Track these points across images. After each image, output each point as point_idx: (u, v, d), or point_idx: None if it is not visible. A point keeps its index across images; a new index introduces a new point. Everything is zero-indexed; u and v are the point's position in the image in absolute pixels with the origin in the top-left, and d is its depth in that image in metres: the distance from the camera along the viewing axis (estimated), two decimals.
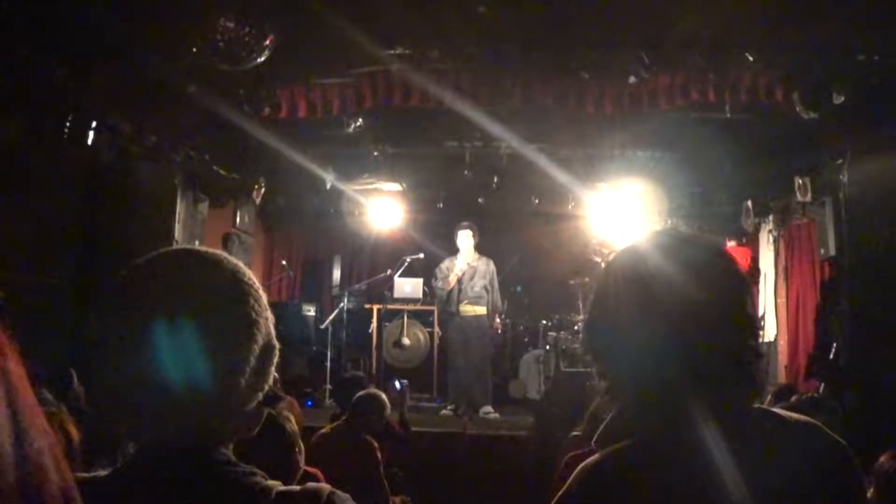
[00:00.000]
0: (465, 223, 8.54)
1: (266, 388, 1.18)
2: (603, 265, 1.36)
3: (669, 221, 9.12)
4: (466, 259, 8.42)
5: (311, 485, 1.15)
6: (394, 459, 5.15)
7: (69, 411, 2.45)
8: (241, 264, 1.20)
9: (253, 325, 1.14)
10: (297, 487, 1.12)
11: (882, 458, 2.51)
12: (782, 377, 8.16)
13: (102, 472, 1.15)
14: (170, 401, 1.07)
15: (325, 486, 1.14)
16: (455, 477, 6.28)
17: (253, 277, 1.20)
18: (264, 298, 1.20)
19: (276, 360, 1.20)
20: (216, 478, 1.10)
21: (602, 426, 1.29)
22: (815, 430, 1.25)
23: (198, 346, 1.07)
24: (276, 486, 1.11)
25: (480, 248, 8.59)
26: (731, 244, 8.43)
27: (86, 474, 1.14)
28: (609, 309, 1.29)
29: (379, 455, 4.42)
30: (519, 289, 11.40)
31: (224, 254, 1.21)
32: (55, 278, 5.93)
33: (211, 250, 1.21)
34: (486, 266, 8.51)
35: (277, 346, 1.20)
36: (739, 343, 1.23)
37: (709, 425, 1.17)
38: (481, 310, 8.40)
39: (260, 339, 1.15)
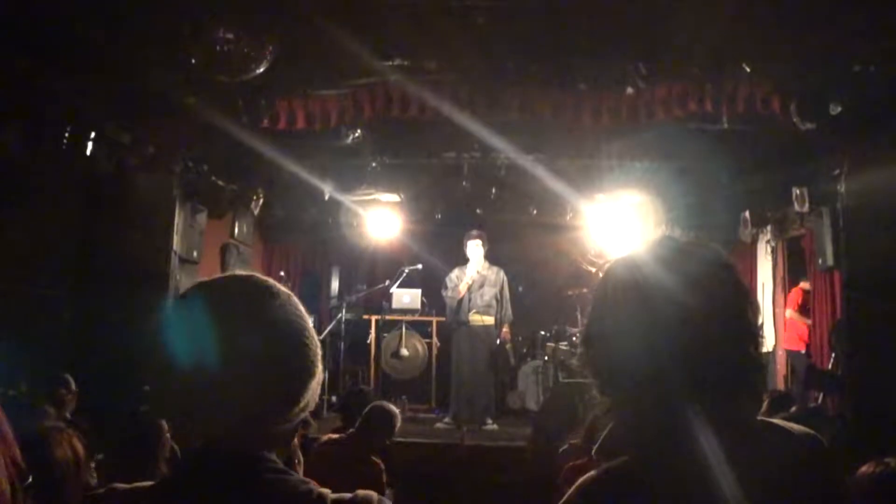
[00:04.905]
0: (475, 232, 8.49)
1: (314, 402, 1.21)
2: (600, 276, 1.34)
3: (667, 231, 9.09)
4: (476, 268, 8.37)
5: (360, 492, 1.17)
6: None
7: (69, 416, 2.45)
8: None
9: (316, 348, 1.19)
10: (347, 495, 1.15)
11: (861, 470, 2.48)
12: (781, 386, 8.16)
13: (145, 483, 1.15)
14: (250, 411, 1.09)
15: (373, 494, 1.17)
16: (453, 488, 6.25)
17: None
18: None
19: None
20: (272, 485, 1.10)
21: (602, 437, 1.29)
22: (817, 442, 1.24)
23: (278, 363, 1.11)
24: (328, 493, 1.13)
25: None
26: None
27: (125, 485, 1.14)
28: (606, 320, 1.28)
29: (384, 478, 4.36)
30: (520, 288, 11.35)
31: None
32: (53, 288, 5.92)
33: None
34: (496, 275, 8.46)
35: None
36: (739, 352, 1.22)
37: (709, 437, 1.16)
38: (490, 320, 8.35)
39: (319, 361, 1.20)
